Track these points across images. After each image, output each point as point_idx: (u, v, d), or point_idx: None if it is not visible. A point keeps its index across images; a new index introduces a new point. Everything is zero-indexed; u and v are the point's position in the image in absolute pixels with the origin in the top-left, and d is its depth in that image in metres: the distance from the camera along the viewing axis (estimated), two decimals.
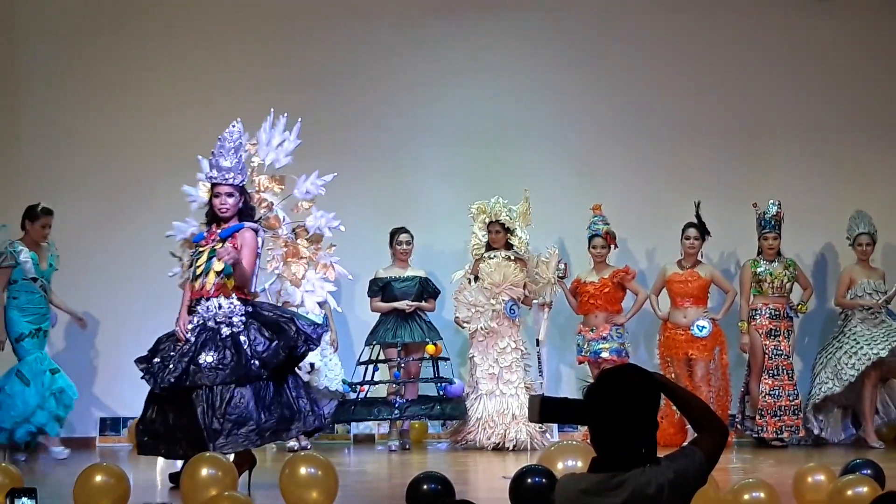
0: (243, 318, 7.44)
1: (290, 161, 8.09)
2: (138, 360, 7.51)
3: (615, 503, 3.58)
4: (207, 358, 7.28)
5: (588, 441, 3.82)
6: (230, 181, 7.60)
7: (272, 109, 8.08)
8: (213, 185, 7.61)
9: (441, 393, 10.43)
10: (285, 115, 8.10)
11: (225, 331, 7.38)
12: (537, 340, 10.76)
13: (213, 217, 7.66)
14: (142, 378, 7.43)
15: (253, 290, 7.66)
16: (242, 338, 7.36)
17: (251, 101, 10.98)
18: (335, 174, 8.30)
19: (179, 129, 11.15)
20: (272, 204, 8.00)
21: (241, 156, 7.68)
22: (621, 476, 3.60)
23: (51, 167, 11.36)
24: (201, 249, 7.59)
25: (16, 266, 9.68)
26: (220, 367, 7.26)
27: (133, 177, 11.26)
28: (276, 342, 7.40)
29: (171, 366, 7.28)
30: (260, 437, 7.33)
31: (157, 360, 7.38)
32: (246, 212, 7.68)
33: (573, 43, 11.78)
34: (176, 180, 8.40)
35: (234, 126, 7.74)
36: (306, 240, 8.17)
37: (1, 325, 9.62)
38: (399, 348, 10.44)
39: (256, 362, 7.30)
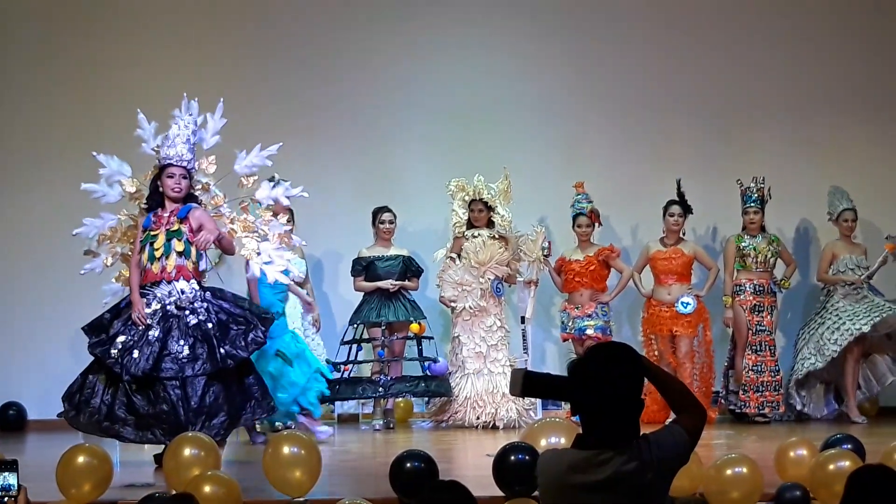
0: (204, 304, 7.46)
1: (219, 140, 8.01)
2: (94, 344, 7.44)
3: (599, 479, 3.59)
4: (178, 347, 7.31)
5: (570, 418, 3.82)
6: (185, 164, 7.66)
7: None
8: (167, 166, 7.63)
9: (425, 372, 10.42)
10: (221, 100, 8.05)
11: (191, 319, 7.41)
12: (522, 318, 10.77)
13: (157, 199, 7.64)
14: (103, 363, 7.38)
15: (202, 269, 7.68)
16: (209, 326, 7.41)
17: (230, 82, 10.96)
18: (280, 144, 8.25)
19: (156, 115, 11.07)
20: (208, 184, 7.99)
21: (193, 140, 7.71)
22: (606, 453, 3.60)
23: (24, 157, 11.32)
24: (154, 233, 7.59)
25: None
26: (192, 358, 7.30)
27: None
28: (243, 335, 7.48)
29: (136, 352, 7.27)
30: (231, 427, 7.48)
31: (117, 344, 7.33)
32: (191, 194, 7.76)
33: (555, 21, 11.76)
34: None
35: (190, 107, 7.80)
36: (259, 212, 8.12)
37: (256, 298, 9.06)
38: (383, 327, 10.43)
39: (223, 353, 7.35)
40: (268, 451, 5.90)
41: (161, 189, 7.66)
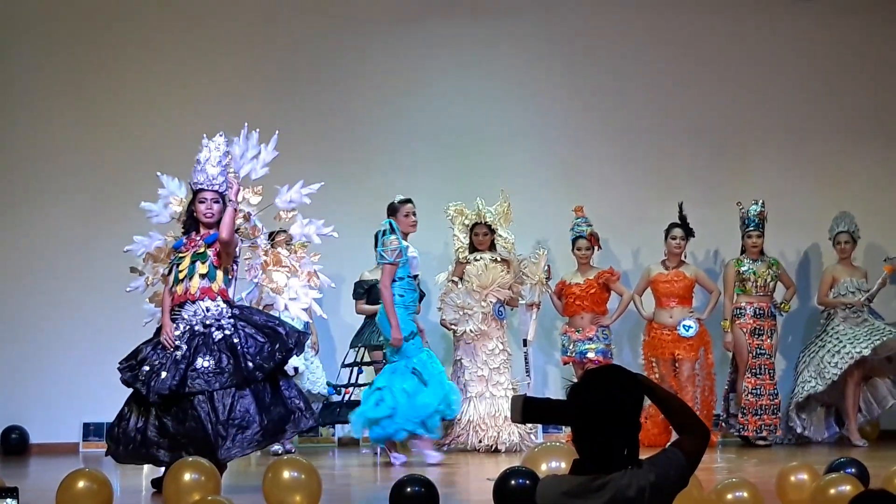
0: (231, 319, 7.45)
1: (267, 172, 8.03)
2: (123, 370, 7.44)
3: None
4: (204, 363, 7.29)
5: (571, 442, 3.82)
6: (216, 187, 7.63)
7: (245, 124, 8.04)
8: (199, 191, 7.63)
9: None
10: (257, 130, 8.05)
11: (217, 334, 7.39)
12: (524, 341, 10.76)
13: (192, 223, 7.66)
14: (131, 387, 7.37)
15: (231, 298, 7.66)
16: (235, 340, 7.38)
17: (233, 108, 10.98)
18: (322, 183, 8.22)
19: (162, 136, 11.12)
20: (249, 214, 7.99)
21: (226, 165, 7.71)
22: (603, 478, 3.60)
23: (32, 172, 11.33)
24: (181, 255, 7.59)
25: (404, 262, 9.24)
26: (219, 371, 7.28)
27: (115, 183, 11.17)
28: (269, 345, 7.43)
29: (164, 373, 7.24)
30: (264, 439, 7.40)
31: (145, 368, 7.33)
32: None
33: (556, 45, 11.79)
34: (156, 187, 8.30)
35: (220, 136, 7.78)
36: (287, 247, 8.14)
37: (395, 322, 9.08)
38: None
39: (251, 364, 7.33)
40: (268, 476, 5.90)
41: (195, 214, 7.68)
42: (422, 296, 10.71)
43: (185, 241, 7.67)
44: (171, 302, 7.52)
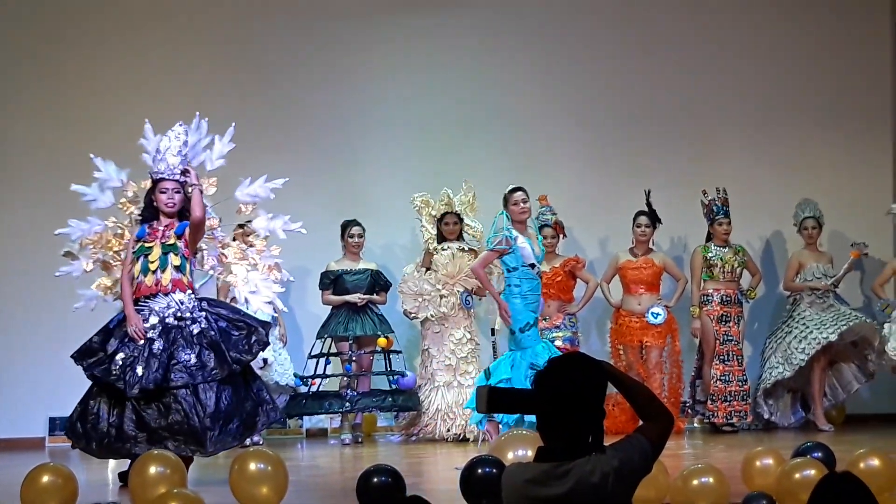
0: (202, 312, 7.43)
1: (224, 164, 7.93)
2: (90, 365, 7.31)
3: (560, 493, 3.59)
4: (186, 356, 7.25)
5: (536, 429, 3.83)
6: (177, 177, 7.56)
7: (197, 113, 7.96)
8: (160, 181, 7.55)
9: (393, 386, 10.41)
10: (206, 119, 7.97)
11: (194, 328, 7.34)
12: (492, 330, 10.77)
13: (151, 213, 7.59)
14: (103, 384, 7.26)
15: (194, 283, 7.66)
16: (212, 333, 7.35)
17: (199, 100, 10.92)
18: (286, 179, 8.13)
19: (124, 129, 11.01)
20: (205, 206, 7.92)
21: (185, 154, 7.64)
22: (566, 465, 3.60)
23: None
24: (148, 245, 7.51)
25: (512, 252, 8.88)
26: (200, 365, 7.24)
27: (79, 179, 11.04)
28: (245, 338, 7.42)
29: (140, 367, 7.16)
30: (245, 432, 7.40)
31: (117, 361, 7.23)
32: (185, 210, 7.64)
33: (521, 35, 11.80)
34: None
35: (179, 125, 7.70)
36: (246, 240, 8.09)
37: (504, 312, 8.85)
38: (351, 341, 10.42)
39: (231, 357, 7.31)
40: (234, 468, 5.86)
41: (155, 203, 7.61)
42: (388, 286, 10.72)
43: (147, 229, 7.59)
44: (135, 293, 7.45)
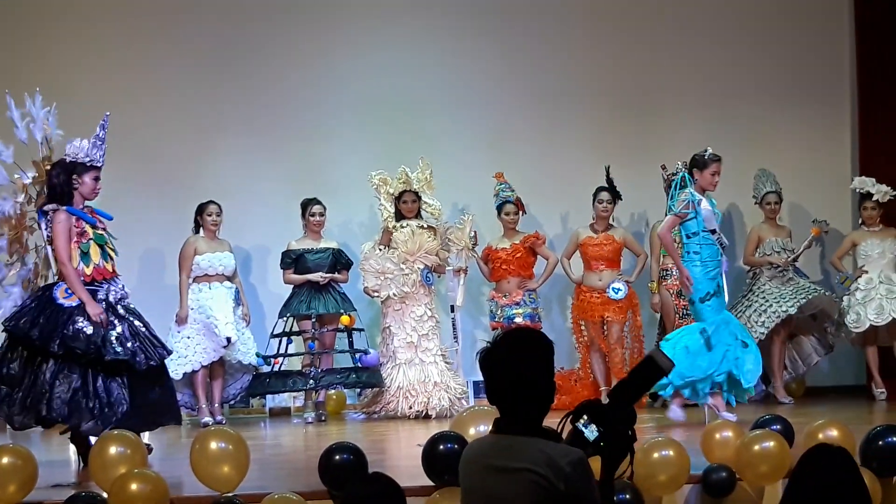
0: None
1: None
2: (101, 349, 7.31)
3: (509, 466, 3.62)
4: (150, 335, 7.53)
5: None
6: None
7: (38, 88, 7.84)
8: (93, 168, 7.55)
9: (356, 363, 10.41)
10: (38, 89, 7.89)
11: (125, 312, 7.51)
12: (452, 307, 10.80)
13: (65, 197, 7.51)
14: (123, 361, 7.31)
15: None
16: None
17: (155, 79, 10.91)
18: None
19: (78, 103, 10.95)
20: None
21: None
22: (512, 439, 3.65)
23: None
24: (100, 231, 7.56)
25: (695, 216, 8.63)
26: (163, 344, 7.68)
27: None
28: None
29: (132, 344, 7.35)
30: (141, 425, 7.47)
31: (126, 343, 7.30)
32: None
33: (480, 10, 11.77)
34: None
35: (107, 115, 7.70)
36: None
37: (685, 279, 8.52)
38: (313, 320, 10.40)
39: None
40: (195, 447, 5.85)
41: (76, 187, 7.54)
42: (349, 264, 10.70)
43: (89, 215, 7.60)
44: (91, 276, 7.46)
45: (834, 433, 6.08)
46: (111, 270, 7.57)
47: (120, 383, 7.32)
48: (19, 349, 7.31)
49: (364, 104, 11.60)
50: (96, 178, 7.55)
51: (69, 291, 7.38)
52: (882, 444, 5.94)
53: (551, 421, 3.75)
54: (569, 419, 3.65)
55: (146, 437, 7.67)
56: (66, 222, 7.45)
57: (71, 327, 7.27)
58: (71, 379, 7.21)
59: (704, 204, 8.59)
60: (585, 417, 3.60)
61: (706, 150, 8.76)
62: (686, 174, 8.77)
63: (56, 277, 7.54)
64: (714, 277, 8.56)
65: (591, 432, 3.60)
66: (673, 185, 8.84)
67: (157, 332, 7.83)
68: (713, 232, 8.61)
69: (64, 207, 7.47)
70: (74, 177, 7.51)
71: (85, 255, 7.47)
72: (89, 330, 7.27)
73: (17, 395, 7.23)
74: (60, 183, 7.51)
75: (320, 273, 10.50)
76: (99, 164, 7.56)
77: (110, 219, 7.76)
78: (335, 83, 11.63)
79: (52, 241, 7.48)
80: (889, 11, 11.83)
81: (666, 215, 8.97)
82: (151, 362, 7.42)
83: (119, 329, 7.38)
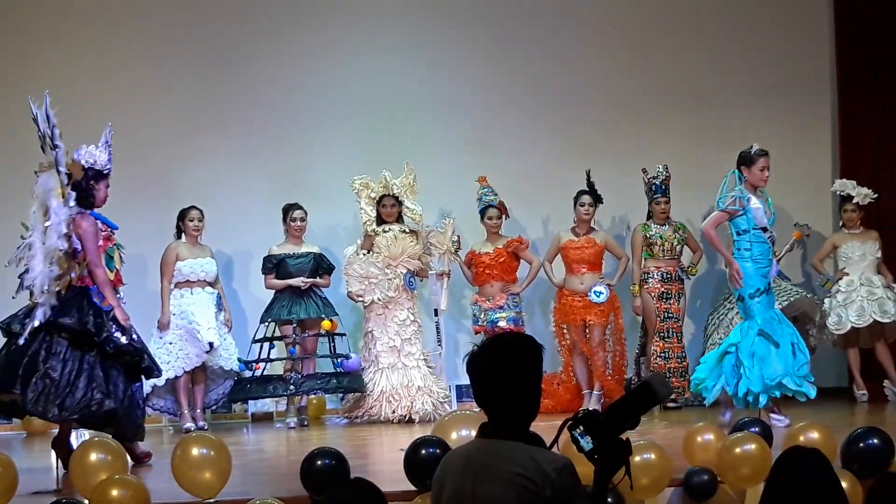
0: None
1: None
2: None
3: (493, 471, 3.62)
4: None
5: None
6: None
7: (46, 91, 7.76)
8: (107, 175, 7.57)
9: (338, 368, 10.40)
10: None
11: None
12: (435, 311, 10.79)
13: (88, 202, 7.53)
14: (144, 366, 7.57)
15: None
16: None
17: (135, 82, 10.88)
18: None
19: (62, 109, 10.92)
20: None
21: None
22: (500, 443, 3.64)
23: None
24: (115, 242, 7.73)
25: (744, 213, 8.62)
26: None
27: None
28: None
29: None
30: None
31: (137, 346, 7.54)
32: None
33: (462, 14, 11.77)
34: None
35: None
36: None
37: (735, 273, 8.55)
38: (294, 325, 10.39)
39: None
40: (176, 453, 5.85)
41: (94, 193, 7.55)
42: (331, 269, 10.69)
43: (113, 223, 7.75)
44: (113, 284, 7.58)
45: (815, 435, 6.11)
46: (121, 279, 7.75)
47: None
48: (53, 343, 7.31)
49: (346, 108, 11.59)
50: (107, 186, 7.60)
51: (101, 294, 7.40)
52: (863, 447, 5.96)
53: (535, 425, 3.76)
54: (567, 426, 3.67)
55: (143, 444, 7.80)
56: (95, 226, 7.48)
57: (113, 327, 7.38)
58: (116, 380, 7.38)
59: (754, 202, 8.61)
60: (581, 428, 3.62)
61: (752, 146, 8.80)
62: (736, 172, 8.76)
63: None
64: (765, 275, 8.61)
65: (586, 443, 3.64)
66: (722, 183, 8.79)
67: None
68: (764, 230, 8.63)
69: (88, 212, 7.49)
70: (92, 182, 7.53)
71: (110, 260, 7.52)
72: (121, 334, 7.43)
73: (59, 389, 7.21)
74: (86, 188, 7.51)
75: (301, 278, 10.49)
76: (109, 171, 7.62)
77: (116, 228, 7.75)
78: (317, 87, 11.61)
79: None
80: (869, 14, 11.88)
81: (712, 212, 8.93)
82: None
83: (134, 336, 7.59)
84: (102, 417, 7.26)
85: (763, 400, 8.54)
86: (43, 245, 7.29)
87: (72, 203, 7.37)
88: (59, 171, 7.36)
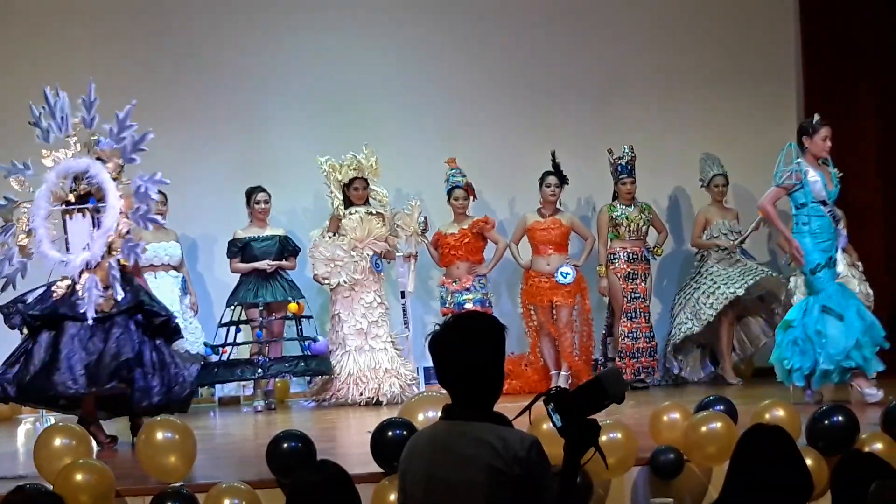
0: None
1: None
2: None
3: (460, 452, 3.61)
4: None
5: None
6: None
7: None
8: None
9: (305, 351, 10.37)
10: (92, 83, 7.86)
11: None
12: (402, 293, 10.77)
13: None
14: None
15: None
16: None
17: (102, 66, 10.76)
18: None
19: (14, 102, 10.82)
20: None
21: None
22: (466, 425, 3.63)
23: None
24: None
25: (802, 187, 8.35)
26: None
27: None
28: None
29: None
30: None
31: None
32: None
33: None
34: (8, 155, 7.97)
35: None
36: None
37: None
38: (261, 308, 10.36)
39: None
40: (141, 438, 5.81)
41: None
42: (296, 251, 10.64)
43: None
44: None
45: (780, 413, 6.13)
46: None
47: None
48: None
49: (308, 90, 11.54)
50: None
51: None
52: (827, 424, 5.98)
53: (503, 406, 3.76)
54: (541, 400, 3.67)
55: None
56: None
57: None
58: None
59: (812, 175, 8.33)
60: (552, 405, 3.63)
61: (814, 116, 8.54)
62: (793, 144, 8.49)
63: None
64: (826, 249, 8.34)
65: (556, 419, 3.66)
66: (779, 158, 8.51)
67: None
68: (824, 203, 8.37)
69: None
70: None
71: None
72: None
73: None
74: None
75: (267, 261, 10.45)
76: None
77: None
78: (278, 69, 11.55)
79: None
80: None
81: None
82: None
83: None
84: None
85: (836, 377, 8.32)
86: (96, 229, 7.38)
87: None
88: (123, 155, 7.63)
